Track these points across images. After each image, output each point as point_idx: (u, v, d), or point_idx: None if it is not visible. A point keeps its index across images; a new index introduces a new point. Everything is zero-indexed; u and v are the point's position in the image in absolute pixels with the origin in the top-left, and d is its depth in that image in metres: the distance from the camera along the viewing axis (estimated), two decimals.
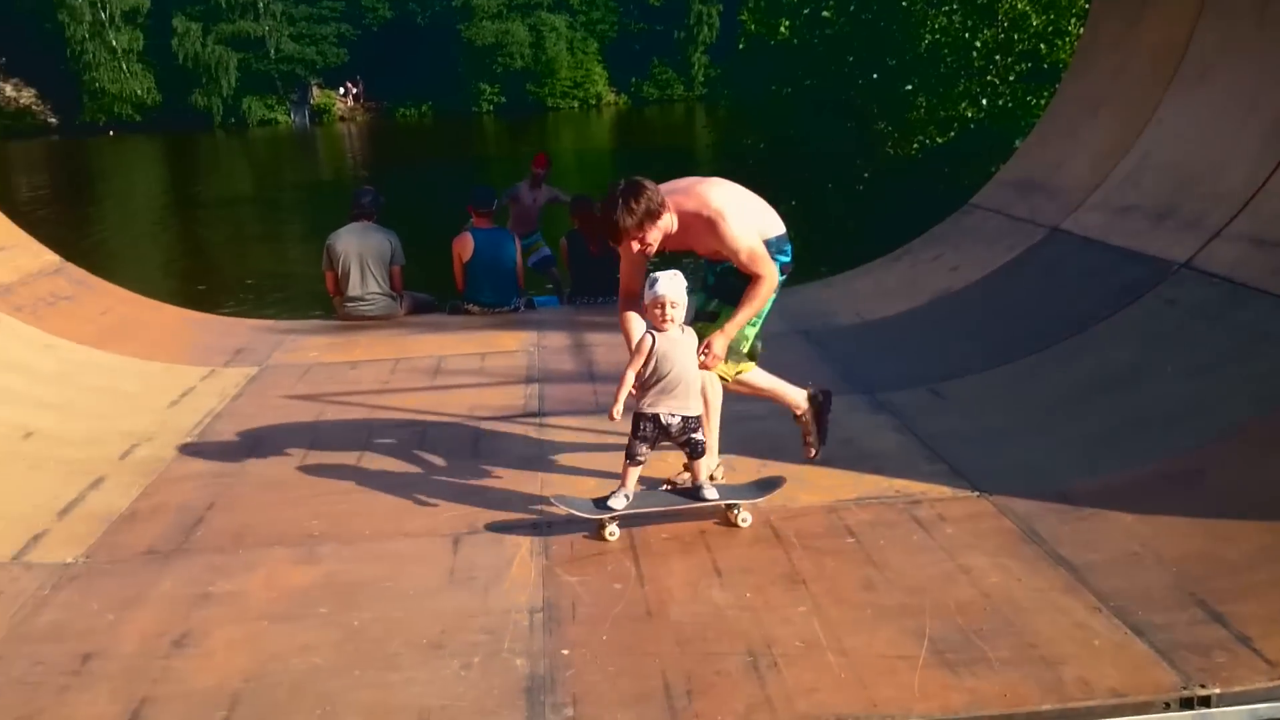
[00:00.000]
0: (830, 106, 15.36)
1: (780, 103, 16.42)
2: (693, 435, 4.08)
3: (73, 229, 18.86)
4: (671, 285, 3.99)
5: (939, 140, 14.22)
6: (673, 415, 4.02)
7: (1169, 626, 3.20)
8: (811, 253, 9.92)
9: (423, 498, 4.51)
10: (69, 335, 6.68)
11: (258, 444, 5.31)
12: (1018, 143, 10.69)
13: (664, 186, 4.25)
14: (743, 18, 18.13)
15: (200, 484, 4.78)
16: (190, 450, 5.27)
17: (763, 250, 4.26)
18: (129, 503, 4.52)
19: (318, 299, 9.67)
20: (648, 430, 4.03)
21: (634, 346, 4.11)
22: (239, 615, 3.56)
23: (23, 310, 6.75)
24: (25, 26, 51.33)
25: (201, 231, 20.24)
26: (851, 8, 15.60)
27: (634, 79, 57.89)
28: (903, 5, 14.68)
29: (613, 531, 4.05)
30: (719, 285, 4.49)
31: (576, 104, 56.96)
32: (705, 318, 4.45)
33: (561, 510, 4.11)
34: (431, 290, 9.21)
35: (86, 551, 4.07)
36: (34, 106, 53.79)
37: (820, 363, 6.48)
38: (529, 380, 6.40)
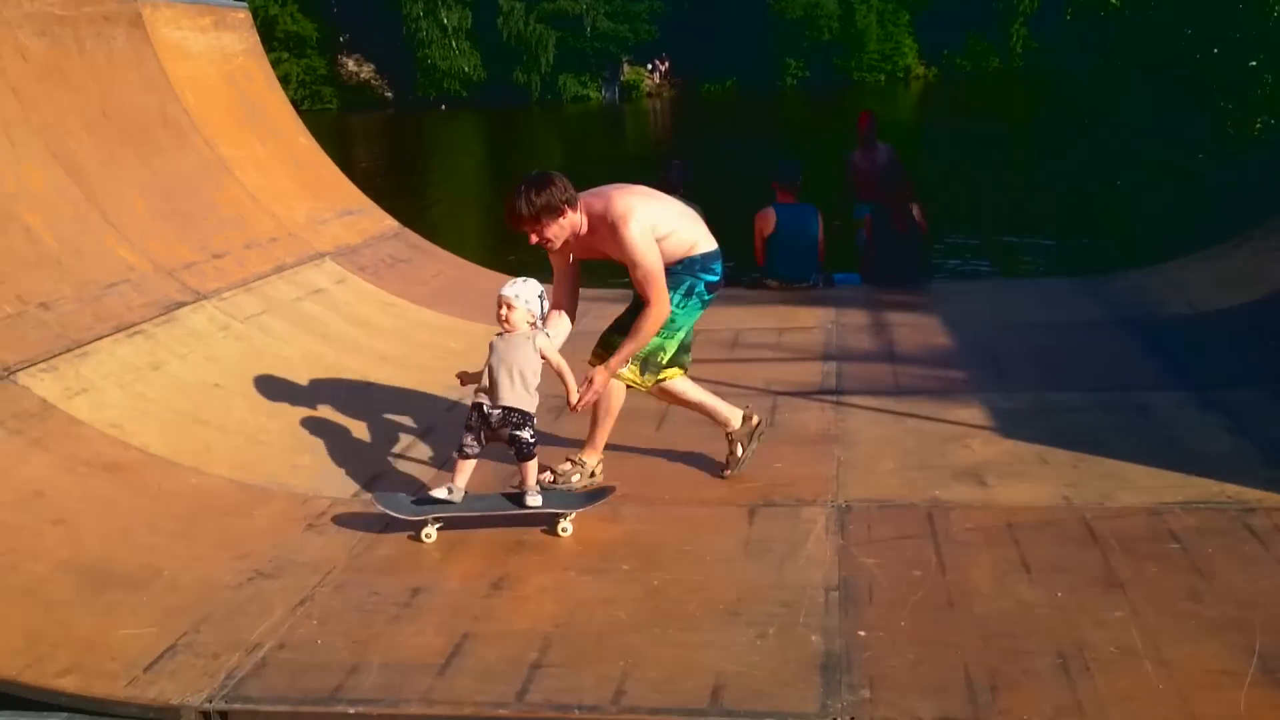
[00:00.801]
0: (1164, 81, 14.23)
1: (1109, 76, 15.39)
2: (516, 432, 3.99)
3: (405, 197, 20.39)
4: (510, 288, 4.00)
5: None
6: (494, 407, 3.96)
7: None
8: (1138, 237, 9.29)
9: (718, 468, 4.60)
10: (405, 295, 7.27)
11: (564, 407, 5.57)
12: None
13: (593, 189, 4.18)
14: None
15: None
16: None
17: (660, 275, 4.17)
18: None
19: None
20: (473, 419, 4.00)
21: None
22: (550, 563, 3.78)
23: (365, 270, 7.39)
24: (367, 5, 55.77)
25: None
26: None
27: (945, 51, 55.86)
28: None
29: (429, 534, 3.96)
30: (627, 318, 4.39)
31: (883, 77, 55.62)
32: (601, 349, 4.45)
33: (379, 509, 4.00)
34: (731, 264, 9.29)
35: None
36: (372, 81, 58.30)
37: (1143, 354, 6.07)
38: (826, 358, 6.37)
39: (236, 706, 2.97)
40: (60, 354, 4.65)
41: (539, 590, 3.58)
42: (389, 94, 57.54)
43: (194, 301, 5.65)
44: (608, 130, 41.40)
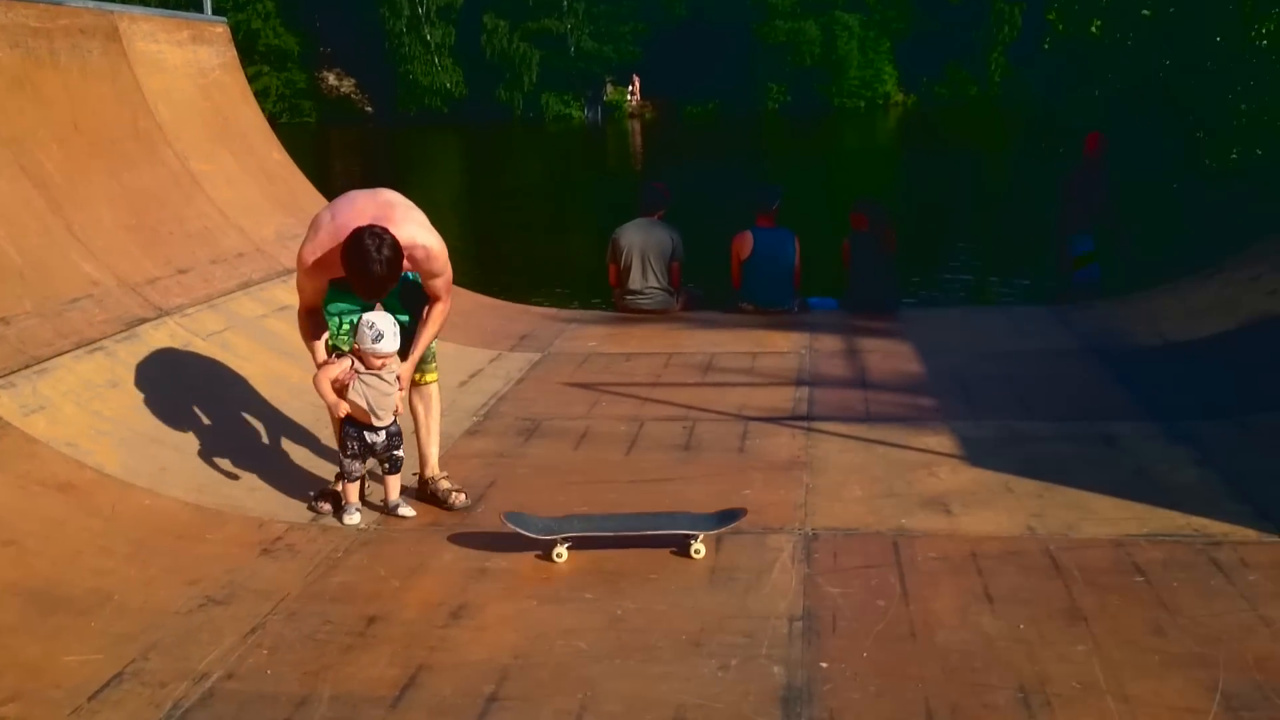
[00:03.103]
0: (1140, 112, 14.38)
1: (1086, 105, 15.53)
2: (397, 451, 4.36)
3: None
4: (388, 328, 4.16)
5: (1259, 152, 13.01)
6: (376, 432, 4.29)
7: None
8: (1110, 267, 9.33)
9: (687, 494, 4.57)
10: None
11: (537, 428, 5.55)
12: None
13: (349, 207, 4.13)
14: (1050, 17, 17.25)
15: (483, 463, 5.05)
16: (475, 430, 5.58)
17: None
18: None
19: (598, 289, 9.99)
20: (355, 447, 4.29)
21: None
22: (511, 592, 3.72)
23: None
24: (350, 20, 55.76)
25: (495, 219, 21.33)
26: (1171, 9, 14.50)
27: (924, 78, 56.33)
28: (1229, 7, 13.51)
29: (560, 553, 3.94)
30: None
31: (863, 103, 56.02)
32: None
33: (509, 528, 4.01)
34: (707, 287, 9.31)
35: (378, 519, 4.38)
36: (353, 95, 58.25)
37: (1112, 385, 6.08)
38: (799, 383, 6.35)
39: None
40: (19, 370, 4.57)
41: (499, 620, 3.52)
42: (369, 109, 57.47)
43: (156, 318, 5.57)
44: (589, 149, 41.48)
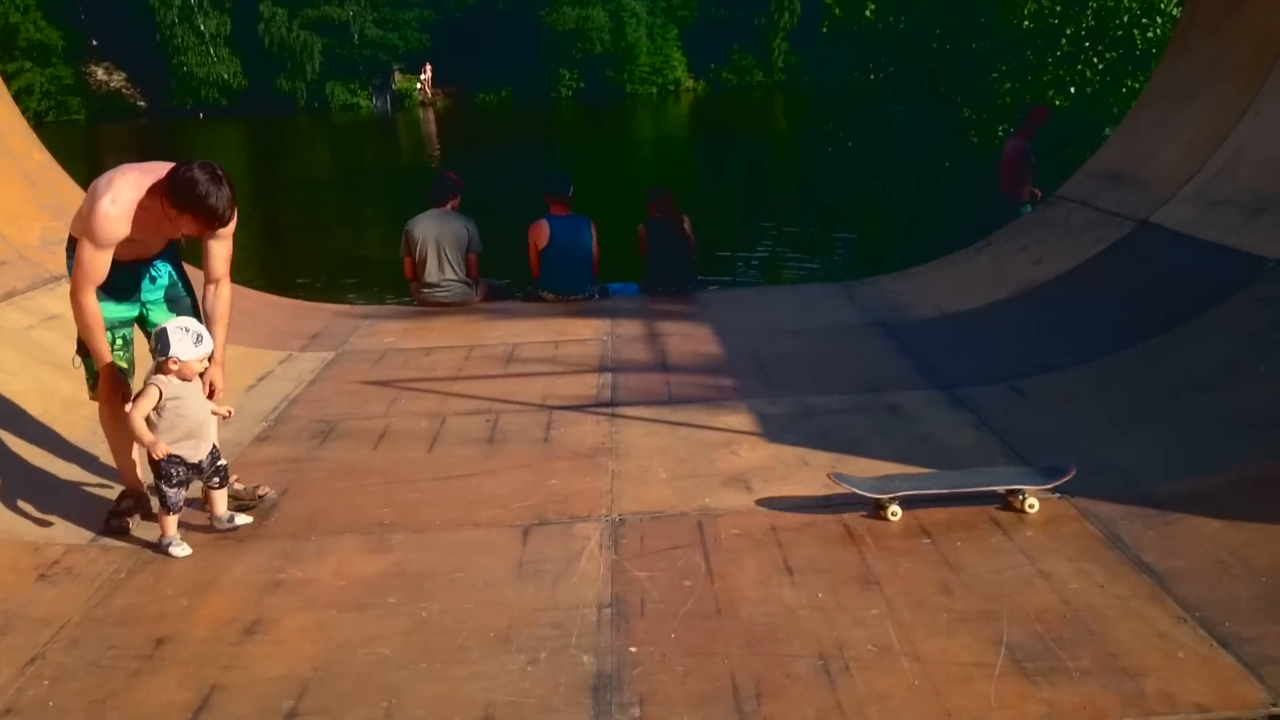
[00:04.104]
0: (914, 93, 15.07)
1: (863, 88, 16.17)
2: (223, 463, 4.13)
3: None
4: (200, 337, 3.93)
5: None
6: (197, 455, 3.99)
7: (1257, 639, 3.07)
8: (890, 243, 9.77)
9: (493, 488, 4.52)
10: None
11: (332, 430, 5.37)
12: (1107, 132, 10.37)
13: (122, 168, 3.99)
14: (826, 1, 17.86)
15: (275, 470, 4.85)
16: (266, 436, 5.35)
17: None
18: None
19: (394, 284, 9.77)
20: (180, 474, 3.95)
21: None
22: (309, 603, 3.58)
23: None
24: (117, 11, 52.62)
25: (282, 215, 20.58)
26: None
27: (713, 65, 57.59)
28: None
29: (895, 511, 4.02)
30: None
31: (655, 90, 56.82)
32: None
33: (844, 489, 4.12)
34: (507, 277, 9.25)
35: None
36: (124, 90, 55.06)
37: (898, 356, 6.37)
38: (602, 369, 6.38)
39: None
40: None
41: (297, 632, 3.38)
42: (142, 103, 54.52)
43: None
44: (379, 139, 40.52)
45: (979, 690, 2.91)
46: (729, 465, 4.68)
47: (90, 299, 3.97)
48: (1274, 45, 6.86)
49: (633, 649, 3.19)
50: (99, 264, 3.93)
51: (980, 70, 14.38)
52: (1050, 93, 13.62)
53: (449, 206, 8.49)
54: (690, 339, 7.06)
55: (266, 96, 52.56)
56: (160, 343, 3.89)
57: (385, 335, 7.44)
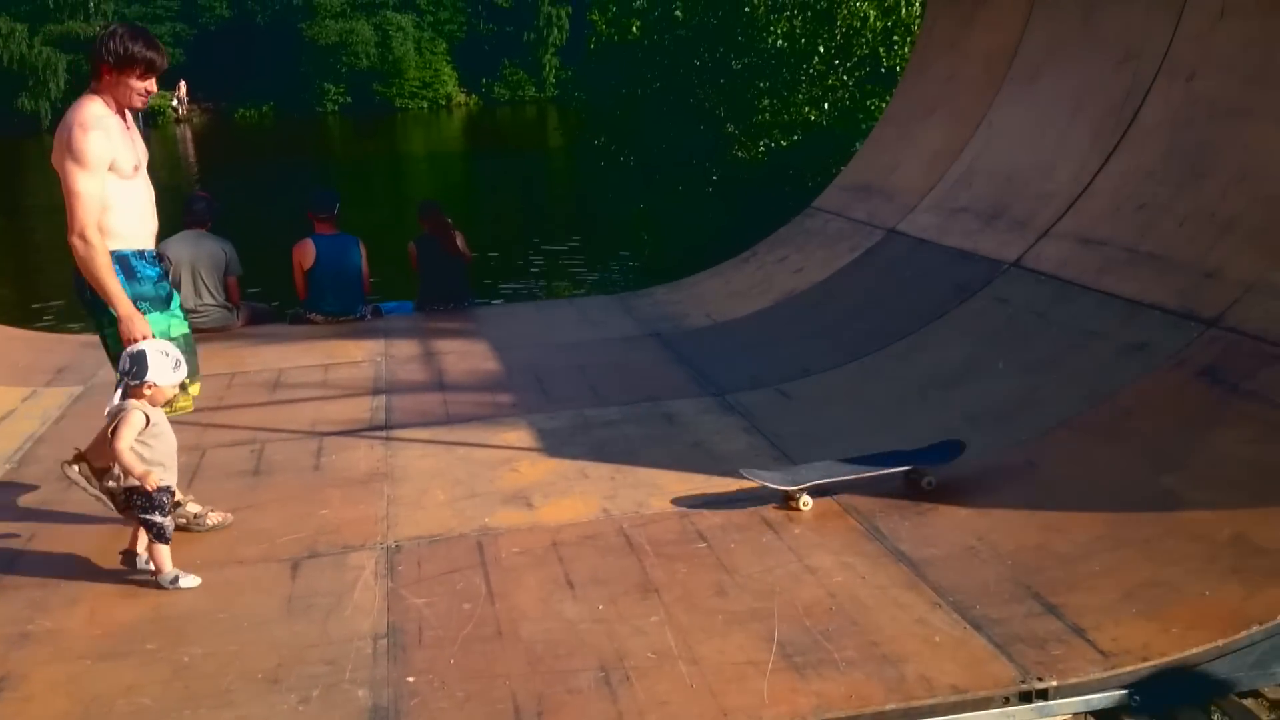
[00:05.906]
0: (680, 109, 15.45)
1: (630, 104, 16.46)
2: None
3: None
4: (172, 364, 3.79)
5: (784, 143, 14.46)
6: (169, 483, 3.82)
7: (1006, 620, 3.29)
8: (663, 255, 9.98)
9: (259, 522, 4.32)
10: None
11: None
12: (858, 145, 10.94)
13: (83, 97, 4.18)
14: (593, 18, 18.09)
15: (20, 514, 4.50)
16: (9, 479, 4.95)
17: None
18: None
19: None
20: (169, 502, 3.80)
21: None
22: (60, 654, 3.33)
23: None
24: None
25: (21, 240, 19.15)
26: (699, 11, 15.71)
27: (485, 80, 57.41)
28: (746, 11, 14.86)
29: (806, 501, 4.16)
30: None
31: (426, 104, 56.13)
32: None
33: (755, 483, 4.26)
34: (272, 300, 8.90)
35: None
36: None
37: (673, 365, 6.50)
38: (375, 392, 6.23)
39: None
40: None
41: (47, 688, 3.13)
42: None
43: None
44: None
45: (753, 688, 2.99)
46: (509, 483, 4.65)
47: (100, 247, 3.87)
48: (1005, 59, 7.43)
49: (410, 679, 3.11)
50: (95, 194, 3.94)
51: (741, 87, 14.91)
52: (806, 108, 14.27)
53: (204, 228, 8.09)
54: (467, 356, 6.98)
55: (7, 116, 49.01)
56: (137, 365, 3.63)
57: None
